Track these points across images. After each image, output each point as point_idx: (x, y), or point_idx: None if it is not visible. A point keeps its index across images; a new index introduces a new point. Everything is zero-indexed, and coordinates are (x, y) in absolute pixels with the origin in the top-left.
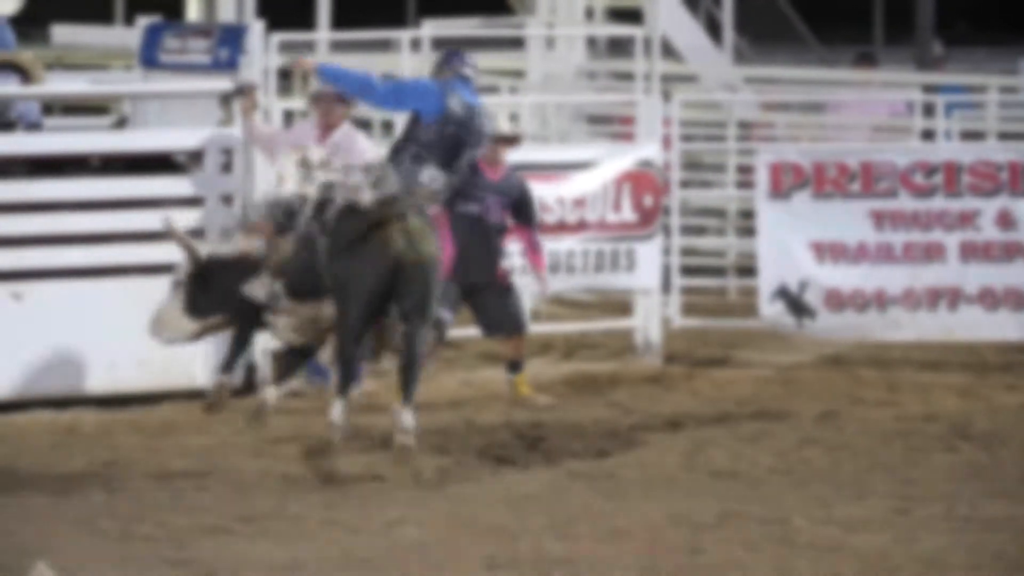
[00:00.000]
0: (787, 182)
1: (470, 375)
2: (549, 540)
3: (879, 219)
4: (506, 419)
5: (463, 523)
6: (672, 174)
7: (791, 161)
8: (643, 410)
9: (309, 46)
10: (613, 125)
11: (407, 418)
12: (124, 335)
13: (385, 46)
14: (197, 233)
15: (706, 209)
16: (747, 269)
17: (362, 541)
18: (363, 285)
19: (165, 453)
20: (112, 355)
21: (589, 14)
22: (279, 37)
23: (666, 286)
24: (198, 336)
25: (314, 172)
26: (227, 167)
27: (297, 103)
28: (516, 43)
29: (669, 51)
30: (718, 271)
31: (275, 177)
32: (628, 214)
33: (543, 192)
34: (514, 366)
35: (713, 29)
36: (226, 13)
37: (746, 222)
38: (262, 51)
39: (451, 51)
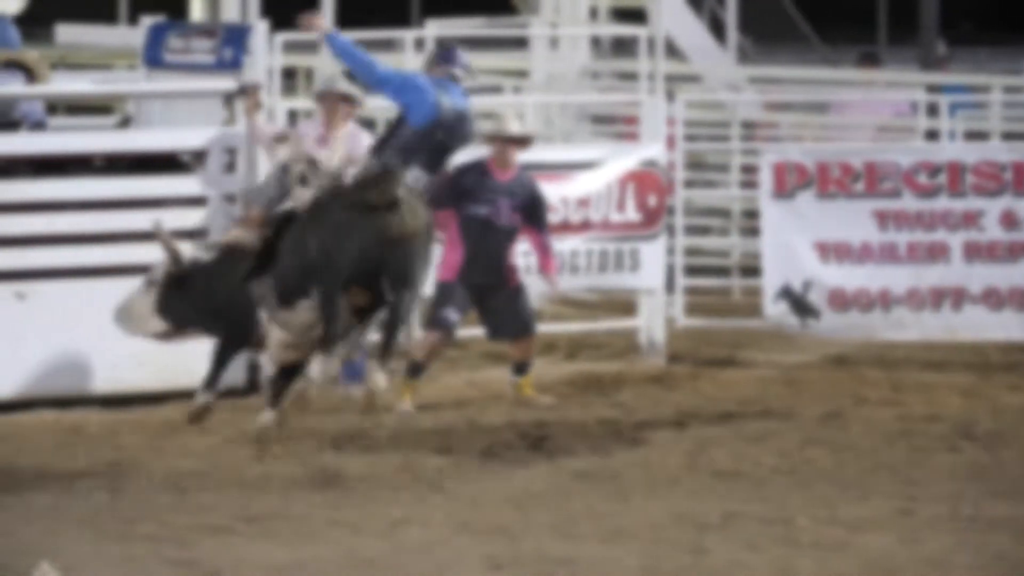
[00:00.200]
0: (791, 182)
1: (474, 375)
2: (552, 540)
3: (883, 219)
4: (510, 419)
5: (466, 523)
6: (676, 174)
7: (795, 161)
8: (647, 410)
9: (313, 46)
10: (617, 125)
11: (379, 379)
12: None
13: (389, 46)
14: (199, 233)
15: (710, 209)
16: (751, 269)
17: (365, 541)
18: (348, 260)
19: (168, 453)
20: (116, 355)
21: (593, 14)
22: (283, 37)
23: (670, 286)
24: (161, 337)
25: (312, 178)
26: (231, 167)
27: (301, 103)
28: (520, 43)
29: (673, 51)
30: (722, 271)
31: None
32: (632, 214)
33: (547, 192)
34: (520, 368)
35: (717, 29)
36: (230, 13)
37: (750, 222)
38: (266, 51)
39: (445, 49)
